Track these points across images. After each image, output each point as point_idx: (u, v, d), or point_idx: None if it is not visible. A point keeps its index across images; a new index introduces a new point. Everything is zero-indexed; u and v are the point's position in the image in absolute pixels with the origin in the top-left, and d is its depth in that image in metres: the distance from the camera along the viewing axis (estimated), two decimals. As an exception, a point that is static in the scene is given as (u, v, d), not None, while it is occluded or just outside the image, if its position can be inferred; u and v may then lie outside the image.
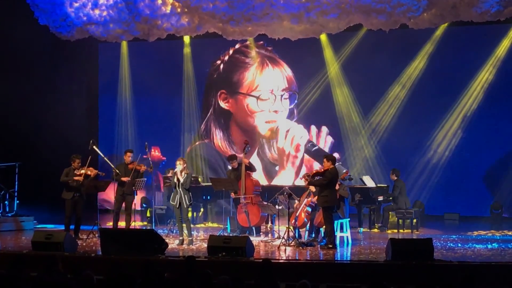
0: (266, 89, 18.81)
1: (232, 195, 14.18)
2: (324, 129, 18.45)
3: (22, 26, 17.07)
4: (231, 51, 19.02)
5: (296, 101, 18.73)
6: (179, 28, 16.56)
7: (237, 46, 18.87)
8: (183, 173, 12.91)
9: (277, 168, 18.69)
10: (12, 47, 17.08)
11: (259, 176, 18.33)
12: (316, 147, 18.35)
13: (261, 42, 18.58)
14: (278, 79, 18.85)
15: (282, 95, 18.75)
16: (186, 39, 18.92)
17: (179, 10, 16.32)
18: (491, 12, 14.71)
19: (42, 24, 17.17)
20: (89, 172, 13.67)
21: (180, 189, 12.93)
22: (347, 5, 15.19)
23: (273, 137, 18.82)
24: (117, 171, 13.70)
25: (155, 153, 18.09)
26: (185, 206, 12.98)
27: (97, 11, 16.72)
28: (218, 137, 19.21)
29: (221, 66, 19.14)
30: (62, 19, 16.94)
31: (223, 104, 19.23)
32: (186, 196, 12.93)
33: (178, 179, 12.91)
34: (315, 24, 15.96)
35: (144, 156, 14.37)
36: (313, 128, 18.48)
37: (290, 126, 18.64)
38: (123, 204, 13.90)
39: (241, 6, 15.65)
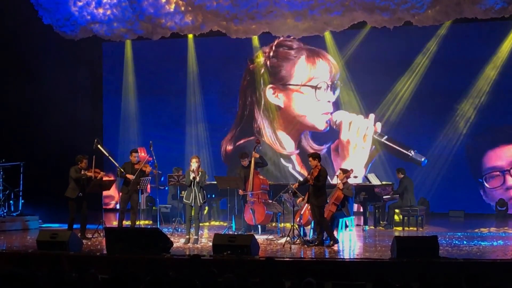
0: (322, 80, 18.55)
1: (241, 192, 14.19)
2: (372, 116, 18.23)
3: (26, 26, 17.10)
4: (273, 46, 18.88)
5: (336, 91, 18.54)
6: (183, 26, 16.57)
7: (277, 40, 18.59)
8: (198, 171, 12.87)
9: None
10: (16, 47, 17.11)
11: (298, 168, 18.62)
12: (385, 137, 18.20)
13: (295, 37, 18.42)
14: (327, 69, 18.63)
15: (330, 85, 18.51)
16: (190, 37, 18.93)
17: (182, 8, 16.32)
18: (495, 9, 14.67)
19: (46, 24, 17.20)
20: (96, 174, 13.64)
21: (195, 187, 12.89)
22: (351, 3, 15.17)
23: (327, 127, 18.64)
24: (122, 170, 13.69)
25: (141, 154, 18.13)
26: (198, 204, 12.94)
27: (100, 10, 16.73)
28: (268, 133, 19.00)
29: (268, 61, 18.99)
30: (66, 18, 16.96)
31: (273, 99, 19.07)
32: (200, 194, 12.89)
33: (194, 177, 12.88)
34: (319, 21, 15.96)
35: (150, 158, 14.49)
36: (371, 116, 18.19)
37: (352, 118, 18.36)
38: (129, 203, 13.90)
39: (244, 4, 15.64)
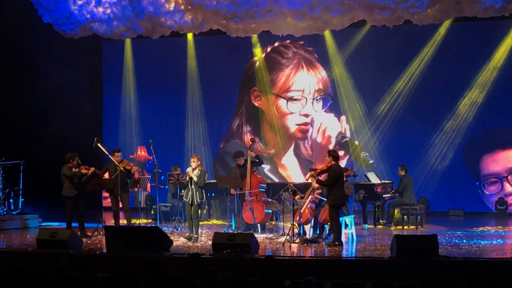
0: (298, 92, 18.75)
1: (232, 191, 14.18)
2: (343, 118, 18.43)
3: (26, 25, 17.07)
4: (268, 49, 18.96)
5: (329, 104, 18.64)
6: (183, 25, 16.56)
7: (276, 44, 18.79)
8: (196, 170, 12.92)
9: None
10: (16, 45, 17.08)
11: (296, 174, 18.62)
12: (347, 139, 18.29)
13: (301, 42, 18.49)
14: (311, 82, 18.73)
15: (314, 99, 18.66)
16: (190, 36, 18.93)
17: (182, 7, 16.31)
18: (495, 8, 14.68)
19: (46, 22, 17.18)
20: (86, 171, 13.64)
21: (193, 186, 12.93)
22: (350, 1, 15.17)
23: (305, 136, 18.82)
24: (122, 169, 13.67)
25: (141, 153, 18.14)
26: (196, 204, 12.98)
27: (100, 9, 16.73)
28: (248, 135, 19.05)
29: (257, 63, 19.09)
30: (66, 17, 16.95)
31: (255, 102, 19.19)
32: (198, 193, 12.93)
33: (191, 177, 12.93)
34: (319, 20, 15.95)
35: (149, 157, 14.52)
36: (343, 118, 18.41)
37: (323, 119, 18.54)
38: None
39: (244, 3, 15.63)
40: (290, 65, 18.84)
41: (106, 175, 13.77)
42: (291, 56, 18.85)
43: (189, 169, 13.00)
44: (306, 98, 18.69)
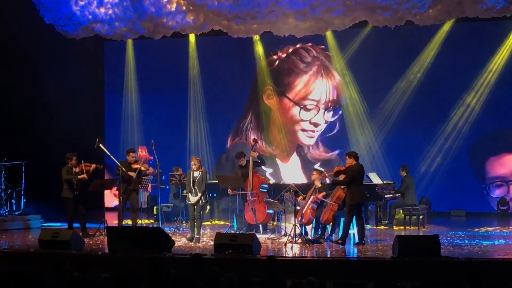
0: (313, 101, 18.74)
1: (230, 191, 14.17)
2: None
3: (28, 25, 17.08)
4: (290, 50, 18.91)
5: (340, 113, 18.66)
6: (184, 26, 16.56)
7: (298, 45, 18.73)
8: (197, 172, 12.94)
9: (317, 165, 17.91)
10: (18, 46, 17.08)
11: (298, 175, 18.54)
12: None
13: (322, 46, 18.51)
14: (327, 91, 18.70)
15: (325, 109, 18.67)
16: (192, 37, 18.94)
17: (184, 8, 16.31)
18: (497, 8, 14.67)
19: (48, 23, 17.18)
20: (87, 168, 13.69)
21: (196, 187, 12.95)
22: (352, 2, 15.17)
23: (309, 142, 18.83)
24: (123, 169, 13.69)
25: (142, 152, 18.11)
26: (200, 204, 13.00)
27: (102, 10, 16.72)
28: (253, 135, 18.99)
29: (277, 62, 19.06)
30: (68, 17, 16.95)
31: (266, 101, 19.18)
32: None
33: (193, 178, 12.96)
34: (321, 21, 15.94)
35: (150, 157, 14.50)
36: None
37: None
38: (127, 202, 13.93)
39: (246, 4, 15.64)
40: (309, 71, 18.79)
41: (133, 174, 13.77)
42: (310, 61, 18.80)
43: (191, 198, 13.00)
44: (319, 108, 18.69)
